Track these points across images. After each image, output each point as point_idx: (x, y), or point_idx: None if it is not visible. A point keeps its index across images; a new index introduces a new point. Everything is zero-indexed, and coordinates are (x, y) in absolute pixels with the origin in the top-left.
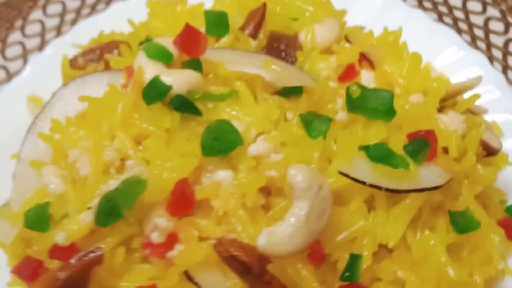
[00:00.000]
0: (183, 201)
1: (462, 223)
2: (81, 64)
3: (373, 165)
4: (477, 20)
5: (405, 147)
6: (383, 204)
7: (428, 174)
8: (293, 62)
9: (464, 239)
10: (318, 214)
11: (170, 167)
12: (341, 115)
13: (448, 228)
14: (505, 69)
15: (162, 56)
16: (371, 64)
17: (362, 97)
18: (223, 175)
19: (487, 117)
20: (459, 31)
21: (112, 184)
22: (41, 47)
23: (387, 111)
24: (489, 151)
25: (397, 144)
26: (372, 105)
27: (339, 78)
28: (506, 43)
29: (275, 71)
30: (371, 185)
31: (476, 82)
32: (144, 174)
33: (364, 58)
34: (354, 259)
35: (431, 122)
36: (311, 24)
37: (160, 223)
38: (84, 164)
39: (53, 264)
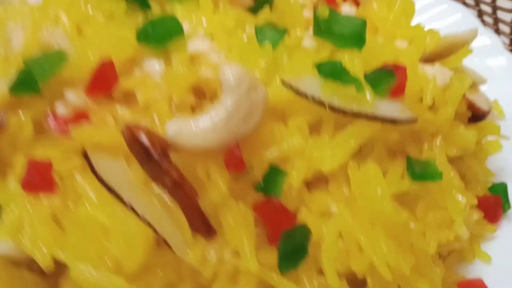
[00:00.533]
0: (101, 82)
1: (419, 170)
2: None
3: (323, 83)
4: None
5: (365, 74)
6: (329, 129)
7: (387, 106)
8: None
9: (421, 192)
10: (244, 116)
11: (97, 44)
12: (308, 42)
13: (403, 174)
14: None
15: None
16: (356, 1)
17: (331, 21)
18: (154, 65)
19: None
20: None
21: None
22: None
23: (356, 38)
24: (475, 113)
25: (356, 68)
26: (341, 30)
27: (314, 6)
28: None
29: None
30: (313, 100)
31: (471, 36)
32: (68, 47)
33: None
34: (274, 172)
35: (412, 71)
36: None
37: (70, 96)
38: (18, 37)
39: None
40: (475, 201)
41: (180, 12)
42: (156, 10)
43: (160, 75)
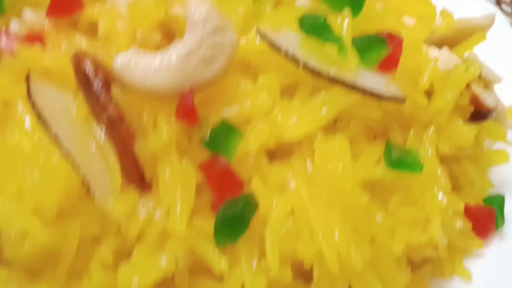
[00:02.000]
0: (64, 4)
1: (397, 157)
2: None
3: (303, 39)
4: None
5: (353, 38)
6: (302, 94)
7: (372, 77)
8: None
9: (397, 183)
10: (205, 59)
11: None
12: (301, 1)
13: (379, 160)
14: None
15: None
16: None
17: None
18: None
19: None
20: None
21: None
22: None
23: (354, 1)
24: (477, 109)
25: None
26: None
27: None
28: None
29: None
30: (287, 55)
31: (488, 21)
32: None
33: None
34: (227, 129)
35: (415, 51)
36: None
37: (27, 15)
38: None
39: None
40: (461, 206)
41: None
42: None
43: (126, 6)
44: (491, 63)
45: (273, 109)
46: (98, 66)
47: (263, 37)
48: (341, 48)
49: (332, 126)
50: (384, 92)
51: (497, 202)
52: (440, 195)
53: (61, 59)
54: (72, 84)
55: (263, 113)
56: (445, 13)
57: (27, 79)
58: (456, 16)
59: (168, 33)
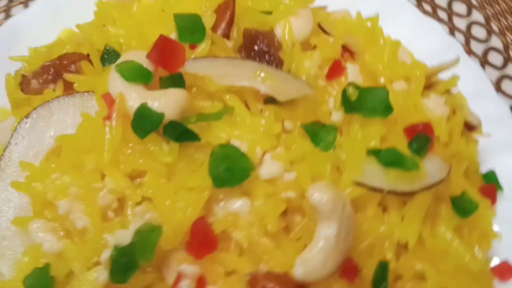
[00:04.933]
0: (205, 241)
1: (463, 207)
2: (36, 87)
3: (384, 170)
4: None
5: (409, 145)
6: (395, 205)
7: (432, 168)
8: (278, 65)
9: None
10: (346, 232)
11: (182, 206)
12: (336, 116)
13: (451, 213)
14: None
15: (141, 77)
16: (352, 55)
17: (359, 98)
18: (239, 204)
19: None
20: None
21: (120, 235)
22: None
23: (385, 109)
24: (469, 128)
25: (400, 143)
26: (370, 104)
27: (327, 76)
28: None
29: (271, 81)
30: (389, 192)
31: (453, 63)
32: (156, 219)
33: (345, 49)
34: (383, 267)
35: (419, 111)
36: (287, 16)
37: (187, 270)
38: (79, 215)
39: None
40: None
41: (225, 132)
42: (203, 138)
43: (248, 211)
44: None
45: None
46: (280, 280)
47: (361, 185)
48: (416, 166)
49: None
50: (443, 175)
51: (493, 177)
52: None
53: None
54: None
55: (384, 234)
56: (418, 65)
57: None
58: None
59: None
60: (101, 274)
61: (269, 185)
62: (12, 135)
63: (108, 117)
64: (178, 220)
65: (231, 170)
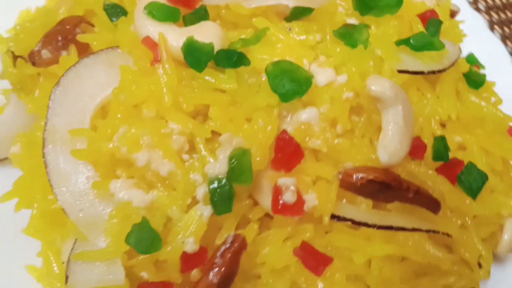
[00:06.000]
0: (293, 153)
1: (475, 80)
2: (48, 57)
3: (416, 55)
4: None
5: (427, 29)
6: (427, 87)
7: (449, 47)
8: None
9: None
10: (409, 114)
11: (262, 126)
12: (351, 21)
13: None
14: None
15: (171, 15)
16: None
17: None
18: (307, 114)
19: None
20: None
21: (212, 167)
22: None
23: (397, 3)
24: (451, 15)
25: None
26: (384, 1)
27: None
28: None
29: None
30: (428, 72)
31: None
32: (243, 143)
33: None
34: (441, 140)
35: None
36: None
37: (286, 181)
38: (161, 162)
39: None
40: None
41: (265, 53)
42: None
43: (318, 119)
44: None
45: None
46: (371, 170)
47: (404, 72)
48: (442, 45)
49: None
50: (458, 52)
51: (473, 58)
52: None
53: (334, 187)
54: None
55: (429, 111)
56: None
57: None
58: None
59: None
60: (205, 210)
61: (330, 89)
62: (48, 108)
63: (156, 60)
64: (262, 139)
65: (294, 81)
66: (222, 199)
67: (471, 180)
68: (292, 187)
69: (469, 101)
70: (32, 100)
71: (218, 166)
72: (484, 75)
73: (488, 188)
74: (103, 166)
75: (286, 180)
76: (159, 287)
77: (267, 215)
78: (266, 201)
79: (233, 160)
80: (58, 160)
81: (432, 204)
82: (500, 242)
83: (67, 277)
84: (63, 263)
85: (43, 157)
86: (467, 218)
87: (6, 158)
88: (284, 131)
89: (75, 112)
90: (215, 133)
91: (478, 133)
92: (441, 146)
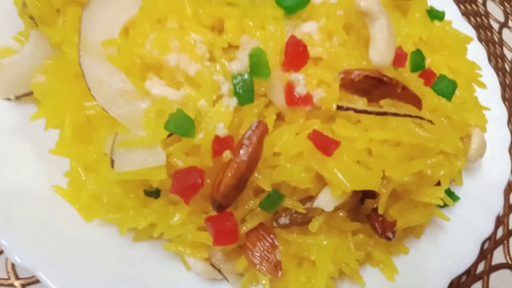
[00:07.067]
0: (302, 53)
1: (436, 14)
2: None
3: None
4: None
5: None
6: (399, 15)
7: None
8: None
9: None
10: (391, 25)
11: (273, 32)
12: None
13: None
14: None
15: None
16: None
17: None
18: (308, 27)
19: None
20: None
21: (236, 65)
22: None
23: None
24: None
25: None
26: None
27: None
28: None
29: None
30: None
31: None
32: (259, 44)
33: None
34: (417, 52)
35: None
36: None
37: (297, 77)
38: (189, 63)
39: None
40: None
41: None
42: None
43: (317, 31)
44: None
45: None
46: (365, 69)
47: None
48: None
49: None
50: None
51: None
52: None
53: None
54: None
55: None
56: None
57: (341, 108)
58: None
59: None
60: (231, 101)
61: (325, 6)
62: (80, 26)
63: None
64: (275, 42)
65: None
66: (245, 91)
67: (443, 87)
68: (303, 81)
69: (434, 26)
70: (56, 31)
71: (240, 64)
72: (443, 13)
73: (457, 98)
74: (135, 72)
75: (297, 76)
76: (193, 172)
77: (278, 117)
78: (279, 99)
79: (252, 57)
80: (93, 67)
81: (416, 100)
82: (469, 150)
83: (112, 161)
84: (105, 154)
85: (79, 66)
86: (442, 118)
87: (28, 94)
88: (293, 36)
89: (104, 30)
90: (231, 46)
91: (444, 54)
92: (418, 57)
